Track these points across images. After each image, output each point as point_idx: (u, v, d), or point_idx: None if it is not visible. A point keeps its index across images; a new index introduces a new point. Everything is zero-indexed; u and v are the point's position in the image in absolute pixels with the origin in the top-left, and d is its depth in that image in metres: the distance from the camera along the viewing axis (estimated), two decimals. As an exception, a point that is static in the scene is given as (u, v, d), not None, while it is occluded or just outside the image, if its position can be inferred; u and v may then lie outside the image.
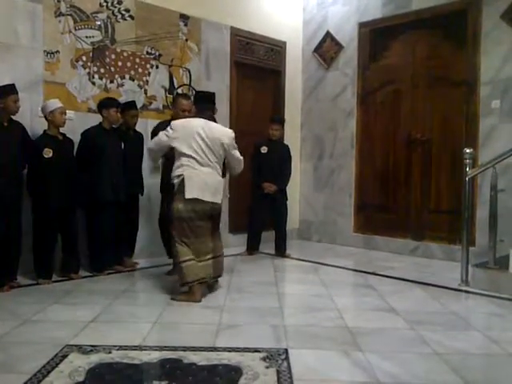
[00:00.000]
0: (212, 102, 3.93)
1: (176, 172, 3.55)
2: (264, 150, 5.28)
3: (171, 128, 3.57)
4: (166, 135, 3.58)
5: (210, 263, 3.66)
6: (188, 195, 3.46)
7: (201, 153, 3.53)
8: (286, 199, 5.38)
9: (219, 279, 3.87)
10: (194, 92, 5.39)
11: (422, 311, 3.40)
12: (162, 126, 3.98)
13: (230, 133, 3.74)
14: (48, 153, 3.89)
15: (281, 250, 5.37)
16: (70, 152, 4.14)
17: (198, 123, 3.59)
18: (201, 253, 3.59)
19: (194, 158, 3.52)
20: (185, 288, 3.55)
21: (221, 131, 3.68)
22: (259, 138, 5.41)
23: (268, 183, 5.20)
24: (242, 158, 3.84)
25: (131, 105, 4.53)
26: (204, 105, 3.77)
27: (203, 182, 3.51)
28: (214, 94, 4.03)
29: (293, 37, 6.40)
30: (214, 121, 3.79)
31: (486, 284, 3.93)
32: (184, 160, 3.53)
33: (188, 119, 3.70)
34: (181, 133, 3.54)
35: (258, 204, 5.26)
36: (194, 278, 3.50)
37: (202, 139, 3.53)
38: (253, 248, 5.38)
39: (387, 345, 2.73)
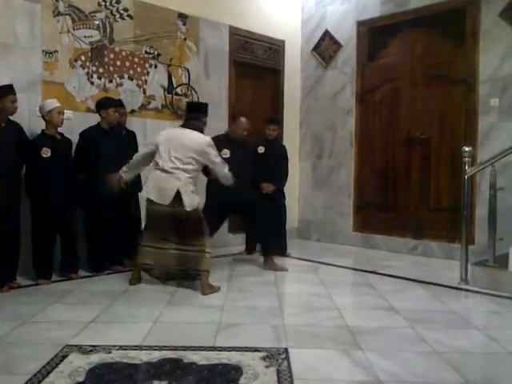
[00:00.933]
0: (201, 112, 4.04)
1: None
2: (261, 150, 5.28)
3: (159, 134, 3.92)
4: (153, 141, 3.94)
5: (173, 254, 3.85)
6: (145, 194, 3.85)
7: (165, 158, 3.75)
8: (284, 199, 5.38)
9: (221, 283, 3.89)
10: (192, 91, 5.39)
11: (422, 310, 3.41)
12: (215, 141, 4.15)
13: (204, 141, 3.84)
14: (46, 152, 3.88)
15: (281, 250, 5.37)
16: (69, 152, 4.13)
17: (175, 132, 3.90)
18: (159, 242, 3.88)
19: (157, 163, 3.78)
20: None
21: (193, 139, 3.82)
22: (258, 137, 5.40)
23: (266, 183, 5.19)
24: (225, 165, 3.99)
25: (119, 103, 4.50)
26: (190, 114, 4.00)
27: (158, 186, 3.74)
28: (205, 104, 4.18)
29: (291, 36, 6.39)
30: (200, 130, 3.92)
31: (485, 282, 3.93)
32: (153, 163, 3.86)
33: (172, 129, 4.05)
34: (161, 139, 3.84)
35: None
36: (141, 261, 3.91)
37: (170, 145, 3.76)
38: (251, 248, 5.38)
39: (387, 344, 2.73)
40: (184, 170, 3.74)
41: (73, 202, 4.10)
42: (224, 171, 3.99)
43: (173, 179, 3.71)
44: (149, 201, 3.81)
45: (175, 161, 3.73)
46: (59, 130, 4.05)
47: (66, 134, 4.13)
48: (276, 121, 5.44)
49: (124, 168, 3.95)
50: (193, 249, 3.81)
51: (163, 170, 3.74)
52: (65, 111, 4.11)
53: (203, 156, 3.81)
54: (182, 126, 3.95)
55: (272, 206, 5.27)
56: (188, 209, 3.69)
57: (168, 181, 3.71)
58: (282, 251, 5.34)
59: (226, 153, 4.55)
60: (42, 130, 3.99)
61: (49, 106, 3.95)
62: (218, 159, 3.93)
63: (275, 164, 5.26)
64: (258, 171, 5.22)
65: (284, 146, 5.50)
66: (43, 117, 3.97)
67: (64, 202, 3.99)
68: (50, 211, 3.93)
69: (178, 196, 3.67)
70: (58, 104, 3.99)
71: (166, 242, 3.86)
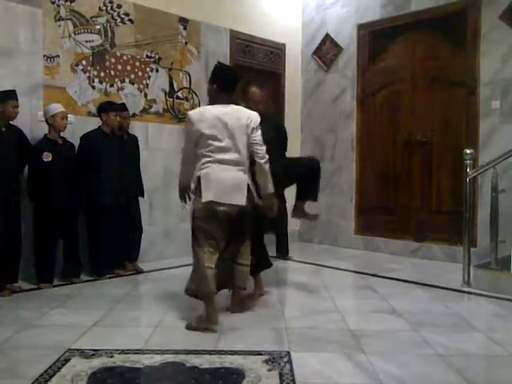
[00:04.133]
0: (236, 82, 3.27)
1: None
2: None
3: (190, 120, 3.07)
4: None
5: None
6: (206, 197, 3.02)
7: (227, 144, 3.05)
8: (285, 201, 5.38)
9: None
10: (193, 95, 5.40)
11: (424, 313, 3.40)
12: None
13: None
14: (47, 157, 3.90)
15: (283, 253, 5.36)
16: (71, 156, 4.14)
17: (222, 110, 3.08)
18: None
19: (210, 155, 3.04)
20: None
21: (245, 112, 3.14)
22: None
23: None
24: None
25: (122, 107, 4.51)
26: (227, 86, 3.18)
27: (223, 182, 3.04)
28: (233, 70, 3.54)
29: (292, 39, 6.40)
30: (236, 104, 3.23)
31: (487, 285, 3.92)
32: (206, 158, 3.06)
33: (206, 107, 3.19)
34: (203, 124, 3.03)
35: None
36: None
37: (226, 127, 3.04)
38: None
39: (390, 347, 2.72)
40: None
41: (75, 207, 4.10)
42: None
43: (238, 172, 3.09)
44: (206, 204, 3.04)
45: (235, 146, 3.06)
46: (61, 134, 4.06)
47: (67, 138, 4.13)
48: None
49: (186, 183, 3.27)
50: (243, 261, 3.27)
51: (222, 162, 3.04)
52: (68, 116, 4.12)
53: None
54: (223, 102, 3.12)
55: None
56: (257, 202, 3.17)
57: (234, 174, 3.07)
58: (284, 254, 5.34)
59: None
60: (45, 135, 4.00)
61: (53, 111, 3.97)
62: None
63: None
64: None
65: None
66: (47, 121, 3.98)
67: (66, 206, 3.99)
68: (52, 215, 3.93)
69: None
70: (62, 109, 4.01)
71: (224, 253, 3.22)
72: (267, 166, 3.19)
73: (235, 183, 3.06)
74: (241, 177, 3.10)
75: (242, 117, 3.09)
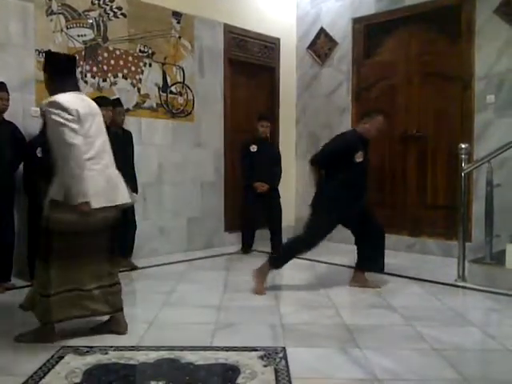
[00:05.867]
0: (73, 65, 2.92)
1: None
2: (254, 148, 5.27)
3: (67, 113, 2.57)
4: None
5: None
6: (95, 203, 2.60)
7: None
8: (279, 197, 5.37)
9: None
10: (187, 90, 5.36)
11: (419, 307, 3.40)
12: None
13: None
14: (41, 152, 3.87)
15: (278, 249, 5.35)
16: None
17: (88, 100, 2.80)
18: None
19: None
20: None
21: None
22: (250, 135, 5.40)
23: (260, 183, 5.18)
24: None
25: (117, 102, 4.48)
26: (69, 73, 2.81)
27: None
28: (74, 57, 3.04)
29: (286, 33, 6.37)
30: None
31: (482, 279, 3.93)
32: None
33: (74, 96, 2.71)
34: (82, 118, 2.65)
35: (252, 204, 5.25)
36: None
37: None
38: (247, 247, 5.38)
39: (385, 341, 2.73)
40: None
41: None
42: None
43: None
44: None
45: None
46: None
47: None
48: (267, 117, 5.42)
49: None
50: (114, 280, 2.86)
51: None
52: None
53: None
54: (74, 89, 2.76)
55: (267, 205, 5.26)
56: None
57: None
58: (278, 250, 5.33)
59: (360, 156, 3.82)
60: (41, 131, 3.99)
61: None
62: None
63: (269, 162, 5.25)
64: (250, 170, 5.22)
65: (276, 143, 5.49)
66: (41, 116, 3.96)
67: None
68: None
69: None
70: None
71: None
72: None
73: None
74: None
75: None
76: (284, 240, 5.47)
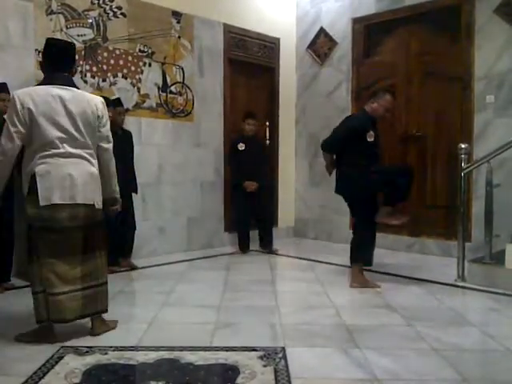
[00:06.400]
0: (71, 57, 2.83)
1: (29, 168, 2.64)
2: (241, 146, 5.28)
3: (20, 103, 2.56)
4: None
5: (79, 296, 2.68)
6: (43, 201, 2.57)
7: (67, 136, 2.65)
8: (270, 195, 5.37)
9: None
10: (186, 89, 5.36)
11: (419, 307, 3.40)
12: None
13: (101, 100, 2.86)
14: None
15: (269, 246, 5.37)
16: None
17: (57, 92, 2.65)
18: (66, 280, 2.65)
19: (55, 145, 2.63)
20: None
21: (91, 99, 2.79)
22: (236, 134, 5.41)
23: (249, 182, 5.19)
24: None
25: (117, 102, 4.48)
26: (57, 65, 2.73)
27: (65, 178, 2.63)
28: (72, 44, 2.94)
29: (286, 33, 6.37)
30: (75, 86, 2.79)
31: (482, 279, 3.93)
32: (41, 150, 2.62)
33: (39, 87, 2.71)
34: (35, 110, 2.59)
35: (242, 203, 5.26)
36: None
37: (68, 115, 2.65)
38: (245, 246, 5.36)
39: (384, 341, 2.73)
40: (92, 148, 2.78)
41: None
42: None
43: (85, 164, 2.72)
44: (43, 208, 2.58)
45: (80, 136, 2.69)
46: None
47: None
48: (254, 115, 5.42)
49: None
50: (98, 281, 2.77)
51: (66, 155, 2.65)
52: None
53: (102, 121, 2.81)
54: (54, 83, 2.67)
55: (257, 204, 5.26)
56: (99, 206, 2.78)
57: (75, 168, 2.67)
58: (269, 247, 5.35)
59: (371, 135, 3.84)
60: None
61: None
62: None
63: (257, 160, 5.27)
64: (239, 169, 5.23)
65: (263, 141, 5.50)
66: None
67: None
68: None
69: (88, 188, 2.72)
70: None
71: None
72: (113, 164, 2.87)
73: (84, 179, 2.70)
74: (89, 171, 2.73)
75: (87, 103, 2.73)
76: (285, 240, 5.50)
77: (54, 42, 2.91)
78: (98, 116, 2.77)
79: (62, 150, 2.64)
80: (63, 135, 2.64)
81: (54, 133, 2.62)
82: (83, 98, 2.74)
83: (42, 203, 2.58)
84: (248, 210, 5.29)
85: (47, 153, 2.61)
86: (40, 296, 2.63)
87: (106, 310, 2.83)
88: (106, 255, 2.85)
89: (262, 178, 5.32)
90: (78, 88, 2.80)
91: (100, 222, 2.81)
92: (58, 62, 2.74)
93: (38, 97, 2.61)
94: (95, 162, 2.78)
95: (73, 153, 2.66)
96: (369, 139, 3.77)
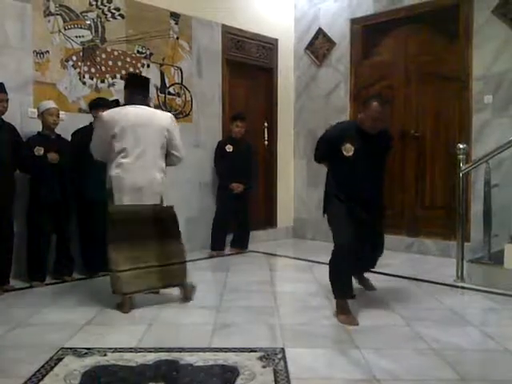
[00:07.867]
0: (145, 87, 3.64)
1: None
2: (229, 148, 5.29)
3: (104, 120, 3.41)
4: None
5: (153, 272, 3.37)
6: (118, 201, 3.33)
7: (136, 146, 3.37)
8: (248, 198, 5.39)
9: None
10: (185, 90, 5.36)
11: (418, 307, 3.40)
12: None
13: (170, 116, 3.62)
14: (39, 151, 3.89)
15: (244, 245, 5.39)
16: (64, 150, 4.08)
17: (133, 111, 3.43)
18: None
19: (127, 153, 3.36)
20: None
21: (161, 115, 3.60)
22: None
23: (236, 184, 5.21)
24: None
25: (116, 103, 4.47)
26: (136, 89, 3.54)
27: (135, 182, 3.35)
28: (148, 79, 3.84)
29: (284, 34, 6.37)
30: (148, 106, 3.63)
31: (481, 279, 3.94)
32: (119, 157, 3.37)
33: (120, 108, 3.55)
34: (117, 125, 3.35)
35: (225, 204, 5.25)
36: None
37: (140, 127, 3.38)
38: (218, 248, 5.26)
39: (383, 342, 2.73)
40: (159, 156, 3.50)
41: (66, 200, 4.07)
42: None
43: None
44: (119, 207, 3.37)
45: (148, 147, 3.42)
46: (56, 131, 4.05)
47: (61, 136, 4.11)
48: (243, 117, 5.40)
49: None
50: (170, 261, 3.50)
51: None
52: (60, 113, 4.09)
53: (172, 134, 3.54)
54: (133, 103, 3.47)
55: (238, 204, 5.26)
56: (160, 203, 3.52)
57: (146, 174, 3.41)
58: (244, 247, 5.42)
59: (349, 149, 3.28)
60: (38, 132, 4.01)
61: (42, 108, 3.98)
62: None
63: (245, 162, 5.27)
64: (226, 170, 5.22)
65: (250, 143, 5.49)
66: (38, 117, 3.99)
67: (57, 197, 3.96)
68: (44, 208, 3.91)
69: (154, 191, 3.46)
70: (50, 106, 3.99)
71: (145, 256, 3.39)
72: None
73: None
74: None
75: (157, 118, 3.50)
76: (283, 240, 5.49)
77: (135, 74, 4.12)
78: (168, 129, 3.48)
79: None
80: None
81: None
82: (154, 116, 3.50)
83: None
84: (230, 211, 5.27)
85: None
86: (122, 274, 3.25)
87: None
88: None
89: (250, 180, 5.32)
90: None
91: None
92: (134, 86, 3.56)
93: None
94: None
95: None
96: (345, 153, 3.23)
